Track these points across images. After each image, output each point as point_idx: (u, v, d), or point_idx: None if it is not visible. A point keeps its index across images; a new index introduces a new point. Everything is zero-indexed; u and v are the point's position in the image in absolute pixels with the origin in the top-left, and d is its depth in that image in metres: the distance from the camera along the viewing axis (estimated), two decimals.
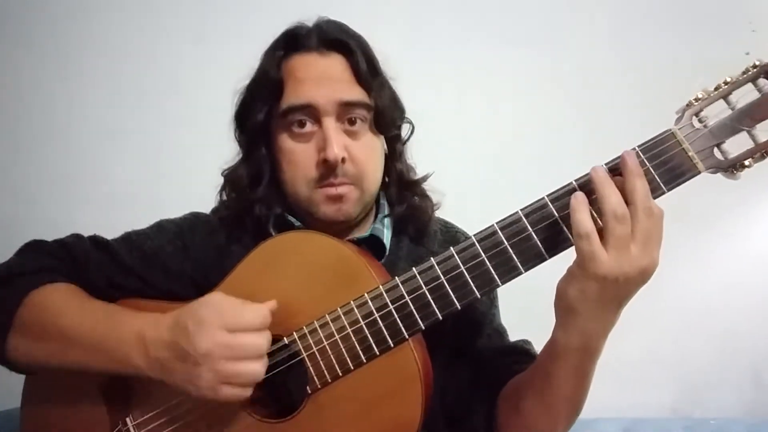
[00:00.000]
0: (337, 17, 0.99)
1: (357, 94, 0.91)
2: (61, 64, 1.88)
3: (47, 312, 0.84)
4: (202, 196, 1.04)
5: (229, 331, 0.74)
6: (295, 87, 0.90)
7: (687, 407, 1.71)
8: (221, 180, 1.03)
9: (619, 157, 0.70)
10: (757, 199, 1.71)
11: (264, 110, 0.92)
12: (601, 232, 0.67)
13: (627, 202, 0.67)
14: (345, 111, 0.90)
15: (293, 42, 0.93)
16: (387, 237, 0.97)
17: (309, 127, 0.90)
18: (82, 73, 1.88)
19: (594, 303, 0.68)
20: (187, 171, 1.76)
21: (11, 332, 0.85)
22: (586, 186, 0.71)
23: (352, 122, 0.90)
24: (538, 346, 0.86)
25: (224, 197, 1.01)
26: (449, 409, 0.92)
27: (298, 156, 0.90)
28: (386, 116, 0.94)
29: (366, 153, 0.92)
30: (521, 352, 0.93)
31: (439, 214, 1.07)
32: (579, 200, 0.69)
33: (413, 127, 1.02)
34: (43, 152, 1.88)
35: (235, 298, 0.78)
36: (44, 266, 0.90)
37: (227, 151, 1.02)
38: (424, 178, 1.03)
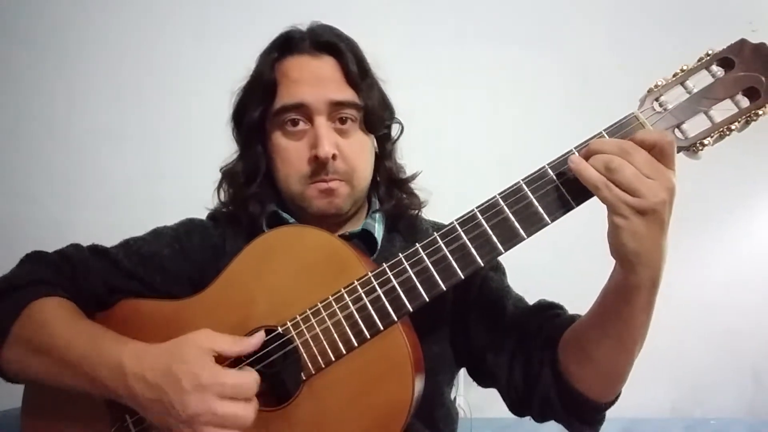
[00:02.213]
0: (337, 17, 1.00)
1: (347, 94, 0.94)
2: (61, 64, 1.89)
3: (39, 329, 0.85)
4: (202, 196, 1.05)
5: (222, 399, 0.75)
6: (288, 87, 0.94)
7: (687, 407, 1.72)
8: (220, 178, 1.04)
9: (562, 155, 0.76)
10: (758, 199, 1.72)
11: (259, 110, 0.96)
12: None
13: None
14: (335, 110, 0.93)
15: (287, 45, 0.97)
16: (378, 232, 0.99)
17: (301, 125, 0.93)
18: (82, 73, 1.88)
19: (649, 237, 0.71)
20: (187, 171, 1.76)
21: (6, 344, 0.86)
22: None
23: (342, 121, 0.94)
24: None
25: (221, 194, 1.04)
26: (507, 387, 0.92)
27: (291, 153, 0.94)
28: (375, 116, 0.97)
29: (356, 150, 0.95)
30: (549, 305, 0.95)
31: (436, 211, 1.08)
32: (576, 161, 0.73)
33: (402, 128, 1.06)
34: (43, 152, 1.89)
35: (228, 341, 0.79)
36: (42, 278, 0.90)
37: (226, 151, 1.03)
38: (413, 177, 1.06)
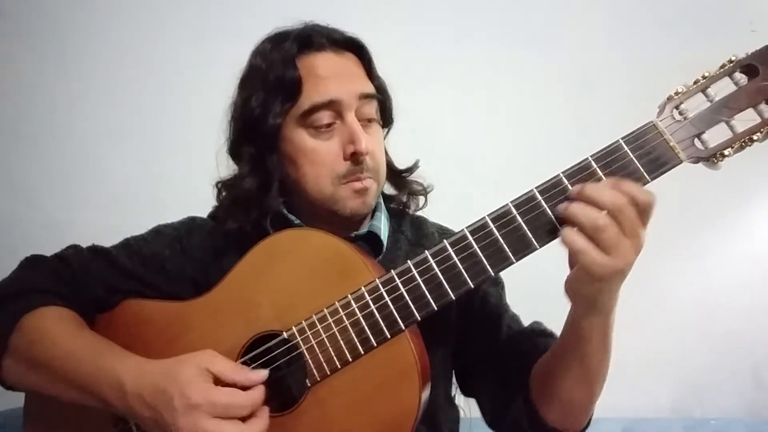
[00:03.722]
0: (338, 16, 1.00)
1: (371, 87, 0.94)
2: (61, 64, 1.88)
3: (37, 342, 0.84)
4: (202, 196, 1.05)
5: (213, 418, 0.74)
6: (316, 85, 0.90)
7: (687, 407, 1.71)
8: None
9: (577, 163, 0.74)
10: (758, 199, 1.72)
11: (282, 113, 0.91)
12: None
13: (598, 206, 0.70)
14: (362, 105, 0.92)
15: (306, 42, 0.93)
16: (384, 233, 0.98)
17: (331, 123, 0.91)
18: (82, 73, 1.88)
19: (609, 291, 0.73)
20: (187, 171, 1.76)
21: (5, 356, 0.86)
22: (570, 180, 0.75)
23: (367, 120, 0.93)
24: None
25: (225, 209, 0.99)
26: (487, 403, 0.94)
27: (322, 154, 0.90)
28: (390, 108, 0.99)
29: (378, 146, 0.95)
30: (540, 332, 0.96)
31: (437, 212, 1.08)
32: (563, 216, 0.72)
33: (392, 120, 1.05)
34: (44, 152, 1.89)
35: (228, 365, 0.78)
36: (41, 287, 0.90)
37: (227, 151, 1.02)
38: (415, 166, 1.05)
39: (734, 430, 1.55)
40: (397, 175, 1.04)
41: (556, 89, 1.74)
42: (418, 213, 1.09)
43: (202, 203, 1.06)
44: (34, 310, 0.86)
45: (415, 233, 1.03)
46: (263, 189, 0.94)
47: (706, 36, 1.62)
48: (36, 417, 0.94)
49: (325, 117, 0.90)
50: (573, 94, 1.73)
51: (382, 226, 0.98)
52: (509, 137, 1.76)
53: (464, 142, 1.75)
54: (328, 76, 0.90)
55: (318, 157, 0.90)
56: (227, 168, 1.01)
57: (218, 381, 0.78)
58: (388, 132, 1.05)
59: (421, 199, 1.06)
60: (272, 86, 0.91)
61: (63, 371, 0.82)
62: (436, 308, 0.78)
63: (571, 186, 0.73)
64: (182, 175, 1.76)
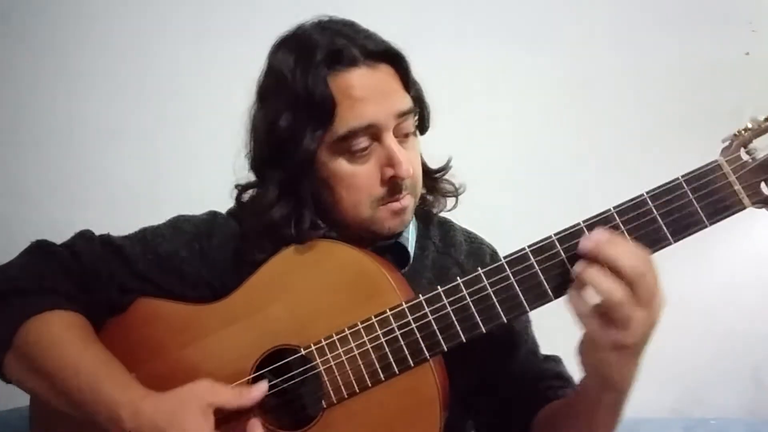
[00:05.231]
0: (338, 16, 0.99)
1: (409, 101, 0.88)
2: (61, 64, 1.88)
3: (40, 349, 0.83)
4: (202, 196, 1.04)
5: None
6: (352, 108, 0.82)
7: (687, 407, 1.71)
8: (220, 180, 1.01)
9: (631, 200, 0.70)
10: None
11: (316, 137, 0.83)
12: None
13: (615, 270, 0.66)
14: (400, 122, 0.86)
15: (336, 58, 0.84)
16: (411, 244, 0.94)
17: (368, 146, 0.84)
18: (82, 73, 1.88)
19: (616, 365, 0.68)
20: (187, 171, 1.77)
21: (8, 353, 0.84)
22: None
23: (405, 135, 0.87)
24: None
25: (251, 238, 0.91)
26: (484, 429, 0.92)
27: (361, 178, 0.85)
28: (428, 116, 0.95)
29: (416, 160, 0.90)
30: (554, 376, 0.91)
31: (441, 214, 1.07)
32: (577, 279, 0.69)
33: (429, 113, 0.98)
34: (43, 152, 1.89)
35: (229, 395, 0.79)
36: (47, 285, 0.87)
37: (227, 151, 1.01)
38: (448, 166, 1.00)
39: (734, 430, 1.55)
40: (430, 177, 0.99)
41: (557, 90, 1.73)
42: (446, 215, 1.04)
43: (201, 203, 1.05)
44: (40, 314, 0.84)
45: (442, 240, 0.99)
46: (295, 219, 0.87)
47: (706, 36, 1.62)
48: (42, 419, 0.93)
49: (362, 141, 0.83)
50: (575, 95, 1.72)
51: (410, 236, 0.94)
52: (510, 139, 1.75)
53: (463, 143, 1.75)
54: (365, 97, 0.82)
55: (356, 181, 0.85)
56: (233, 175, 0.97)
57: (221, 411, 0.78)
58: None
59: (450, 200, 1.01)
60: (303, 108, 0.83)
61: (64, 387, 0.81)
62: (464, 340, 0.75)
63: (623, 224, 0.69)
64: (182, 175, 1.77)
